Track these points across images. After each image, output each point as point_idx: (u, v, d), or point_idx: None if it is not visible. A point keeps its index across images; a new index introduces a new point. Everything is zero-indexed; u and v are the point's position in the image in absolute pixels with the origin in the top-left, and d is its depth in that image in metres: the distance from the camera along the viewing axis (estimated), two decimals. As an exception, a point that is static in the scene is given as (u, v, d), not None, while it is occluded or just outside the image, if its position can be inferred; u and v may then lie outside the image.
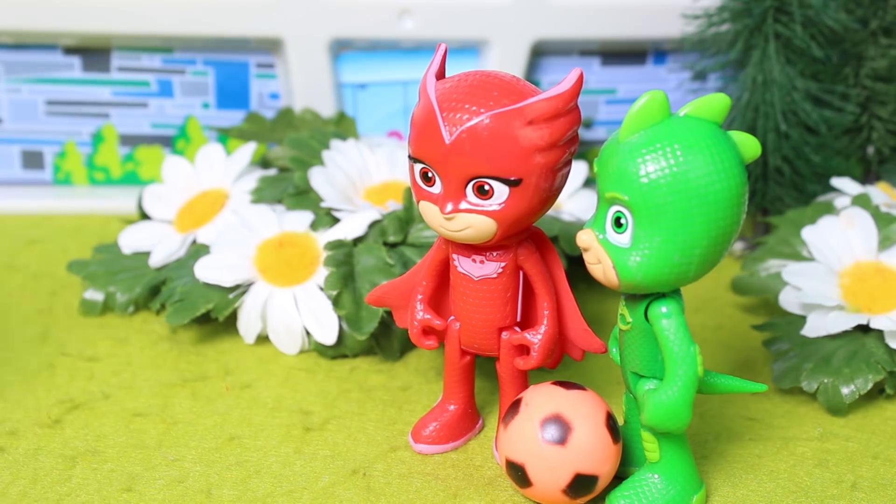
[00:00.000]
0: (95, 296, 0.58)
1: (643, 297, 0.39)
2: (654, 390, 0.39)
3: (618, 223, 0.37)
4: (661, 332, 0.38)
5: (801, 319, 0.53)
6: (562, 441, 0.40)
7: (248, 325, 0.53)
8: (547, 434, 0.40)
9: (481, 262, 0.43)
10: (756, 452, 0.46)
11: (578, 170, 0.66)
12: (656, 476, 0.41)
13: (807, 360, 0.50)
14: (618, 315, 0.41)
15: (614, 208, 0.37)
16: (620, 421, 0.44)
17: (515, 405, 0.41)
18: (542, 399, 0.41)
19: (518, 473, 0.40)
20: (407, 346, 0.54)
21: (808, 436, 0.47)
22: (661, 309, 0.38)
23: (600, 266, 0.38)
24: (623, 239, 0.37)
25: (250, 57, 0.72)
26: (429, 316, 0.45)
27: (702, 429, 0.48)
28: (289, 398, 0.50)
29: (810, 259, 0.55)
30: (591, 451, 0.40)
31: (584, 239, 0.38)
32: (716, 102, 0.37)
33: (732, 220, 0.36)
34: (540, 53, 0.73)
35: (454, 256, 0.43)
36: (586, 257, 0.39)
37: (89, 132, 0.73)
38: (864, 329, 0.51)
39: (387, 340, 0.53)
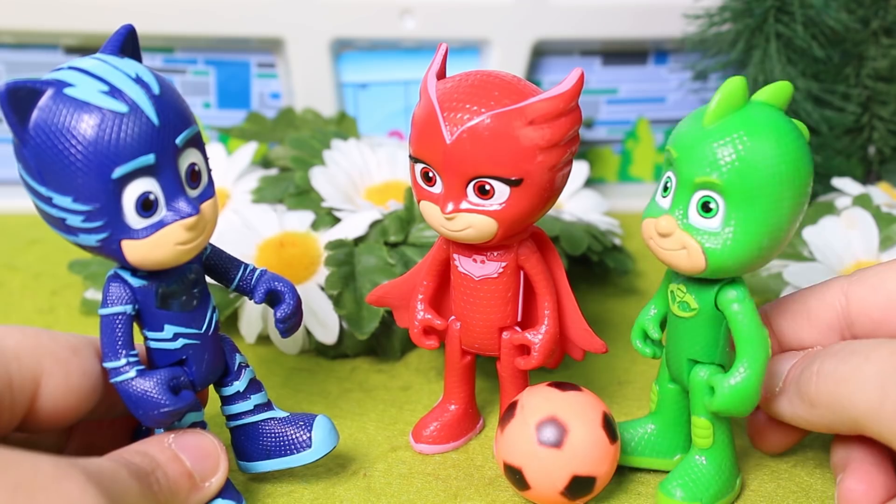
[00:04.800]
0: (96, 295, 0.58)
1: (712, 283, 0.39)
2: (725, 375, 0.39)
3: (706, 208, 0.37)
4: (734, 317, 0.39)
5: (802, 319, 0.52)
6: (557, 443, 0.40)
7: (249, 325, 0.53)
8: (543, 437, 0.40)
9: (482, 261, 0.43)
10: (757, 452, 0.46)
11: (579, 170, 0.66)
12: (704, 459, 0.42)
13: (808, 361, 0.50)
14: (676, 303, 0.41)
15: (702, 193, 0.37)
16: (646, 410, 0.45)
17: (511, 408, 0.41)
18: (538, 401, 0.41)
19: (516, 477, 0.40)
20: (407, 346, 0.54)
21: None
22: (732, 294, 0.39)
23: (684, 252, 0.38)
24: (713, 224, 0.37)
25: (251, 57, 0.72)
26: (429, 316, 0.45)
27: (702, 429, 0.48)
28: (290, 398, 0.50)
29: (811, 259, 0.55)
30: (587, 452, 0.40)
31: (663, 225, 0.38)
32: (783, 90, 0.38)
33: (806, 201, 0.38)
34: (541, 53, 0.73)
35: (455, 256, 0.43)
36: (664, 244, 0.38)
37: (90, 132, 0.73)
38: (865, 329, 0.51)
39: (387, 340, 0.53)
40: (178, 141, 0.36)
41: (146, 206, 0.36)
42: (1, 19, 0.68)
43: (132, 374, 0.37)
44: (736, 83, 0.37)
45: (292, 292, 0.42)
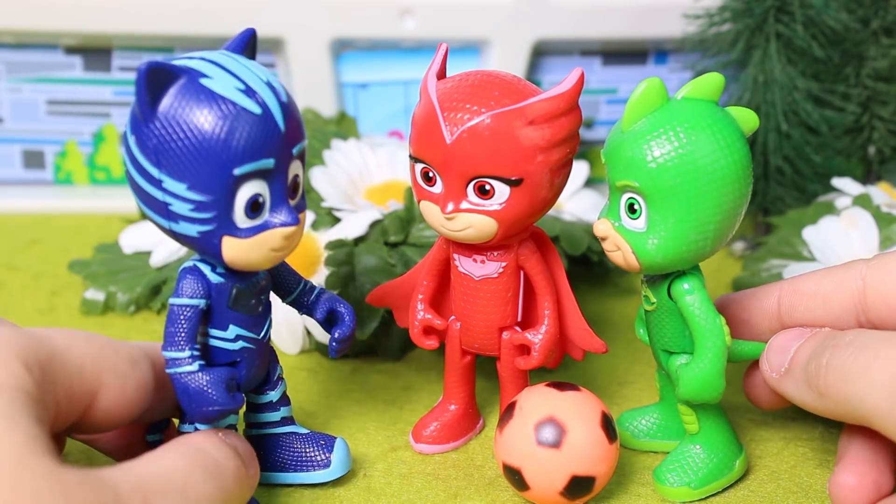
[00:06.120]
0: (96, 295, 0.58)
1: (664, 276, 0.40)
2: (686, 365, 0.40)
3: (631, 209, 0.38)
4: (687, 308, 0.39)
5: (802, 319, 0.52)
6: (556, 444, 0.39)
7: (248, 325, 0.53)
8: (541, 437, 0.40)
9: (482, 261, 0.43)
10: (757, 453, 0.46)
11: (579, 170, 0.66)
12: (698, 447, 0.42)
13: (808, 360, 0.50)
14: (641, 297, 0.42)
15: (626, 195, 0.38)
16: (654, 399, 0.46)
17: (510, 409, 0.41)
18: (536, 402, 0.41)
19: (515, 477, 0.40)
20: (408, 346, 0.54)
21: (809, 436, 0.47)
22: (684, 286, 0.39)
23: (620, 252, 0.39)
24: (639, 224, 0.38)
25: (251, 57, 0.72)
26: (429, 316, 0.45)
27: (702, 429, 0.48)
28: (290, 398, 0.50)
29: (811, 259, 0.55)
30: (586, 452, 0.40)
31: (600, 228, 0.39)
32: (711, 82, 0.38)
33: (741, 192, 0.38)
34: (541, 53, 0.73)
35: (455, 256, 0.43)
36: (605, 245, 0.40)
37: (90, 132, 0.73)
38: (865, 329, 0.51)
39: (388, 340, 0.53)
40: (294, 150, 0.37)
41: (254, 207, 0.36)
42: (1, 19, 0.68)
43: (195, 367, 0.37)
44: (647, 85, 0.37)
45: (352, 315, 0.43)
